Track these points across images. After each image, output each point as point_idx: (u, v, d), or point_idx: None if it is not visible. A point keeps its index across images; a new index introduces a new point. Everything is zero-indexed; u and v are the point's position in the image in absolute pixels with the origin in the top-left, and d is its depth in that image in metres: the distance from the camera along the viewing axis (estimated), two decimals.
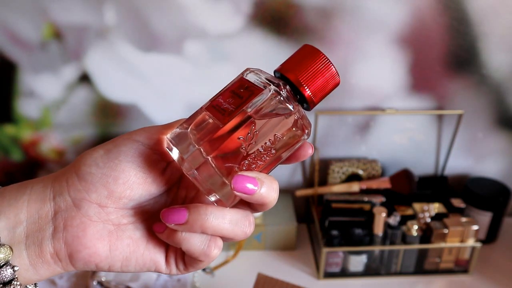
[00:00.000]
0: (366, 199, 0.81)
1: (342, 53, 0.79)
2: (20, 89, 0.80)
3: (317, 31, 0.77)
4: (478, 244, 0.77)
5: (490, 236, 0.86)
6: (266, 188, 0.28)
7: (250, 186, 0.28)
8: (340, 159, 0.87)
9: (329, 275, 0.79)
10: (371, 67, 0.80)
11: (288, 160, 0.31)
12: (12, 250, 0.28)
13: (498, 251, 0.86)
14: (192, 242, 0.29)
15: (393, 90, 0.83)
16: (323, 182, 0.89)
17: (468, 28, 0.77)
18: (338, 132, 0.86)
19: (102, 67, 0.79)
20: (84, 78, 0.80)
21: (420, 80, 0.82)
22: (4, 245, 0.28)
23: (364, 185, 0.83)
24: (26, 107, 0.82)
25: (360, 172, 0.86)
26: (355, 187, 0.83)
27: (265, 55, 0.79)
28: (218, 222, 0.28)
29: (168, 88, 0.81)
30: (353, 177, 0.86)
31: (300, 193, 0.86)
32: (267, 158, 0.29)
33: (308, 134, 0.30)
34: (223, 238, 0.30)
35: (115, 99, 0.82)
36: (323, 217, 0.80)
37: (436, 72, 0.81)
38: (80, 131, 0.85)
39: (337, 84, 0.31)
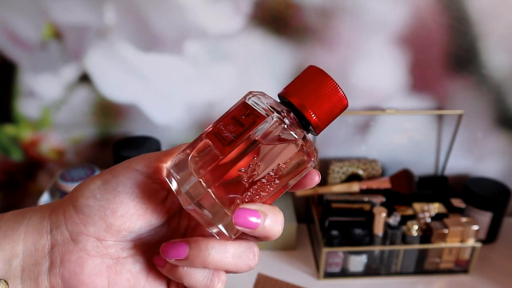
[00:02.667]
0: (366, 199, 0.81)
1: (342, 53, 0.79)
2: (20, 89, 0.80)
3: (317, 31, 0.77)
4: (478, 244, 0.77)
5: (490, 236, 0.86)
6: (270, 220, 0.27)
7: (253, 219, 0.26)
8: (340, 159, 0.87)
9: (329, 275, 0.79)
10: (371, 67, 0.80)
11: (293, 188, 0.29)
12: (7, 284, 0.27)
13: (498, 251, 0.86)
14: (194, 277, 0.28)
15: (393, 90, 0.83)
16: (323, 182, 0.89)
17: (468, 28, 0.77)
18: (338, 132, 0.86)
19: (102, 67, 0.79)
20: (84, 78, 0.80)
21: (420, 80, 0.82)
22: (0, 279, 0.27)
23: (364, 185, 0.83)
24: (26, 107, 0.82)
25: (360, 172, 0.86)
26: (355, 187, 0.83)
27: (265, 55, 0.79)
28: (220, 257, 0.27)
29: (168, 88, 0.81)
30: (353, 177, 0.86)
31: (300, 193, 0.86)
32: (271, 188, 0.28)
33: (314, 162, 0.28)
34: (226, 271, 0.29)
35: (115, 99, 0.82)
36: (323, 217, 0.80)
37: (436, 72, 0.81)
38: (80, 131, 0.85)
39: (344, 108, 0.29)
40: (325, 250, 0.76)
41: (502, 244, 0.88)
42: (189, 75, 0.80)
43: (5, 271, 0.27)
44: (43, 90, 0.80)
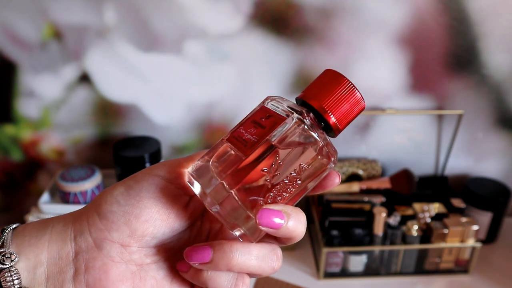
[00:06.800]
0: (366, 199, 0.81)
1: (342, 53, 0.79)
2: (20, 89, 0.80)
3: (317, 31, 0.77)
4: (478, 244, 0.77)
5: (490, 236, 0.86)
6: (293, 221, 0.27)
7: (276, 220, 0.26)
8: (340, 159, 0.87)
9: (329, 275, 0.79)
10: (371, 67, 0.80)
11: (313, 190, 0.30)
12: None
13: (498, 251, 0.86)
14: (218, 281, 0.28)
15: (393, 90, 0.83)
16: None
17: (468, 28, 0.77)
18: None
19: (102, 67, 0.79)
20: (84, 78, 0.80)
21: (420, 80, 0.82)
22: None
23: (364, 185, 0.83)
24: (26, 107, 0.82)
25: (360, 172, 0.86)
26: (355, 187, 0.83)
27: (265, 55, 0.79)
28: (245, 259, 0.27)
29: (168, 88, 0.81)
30: (353, 177, 0.86)
31: None
32: (293, 189, 0.28)
33: (335, 162, 0.29)
34: (250, 275, 0.29)
35: (115, 99, 0.82)
36: (323, 217, 0.80)
37: (436, 72, 0.81)
38: (80, 131, 0.85)
39: (362, 109, 0.29)
40: (325, 250, 0.76)
41: (502, 244, 0.88)
42: (189, 75, 0.80)
43: (29, 280, 0.27)
44: (43, 90, 0.80)
